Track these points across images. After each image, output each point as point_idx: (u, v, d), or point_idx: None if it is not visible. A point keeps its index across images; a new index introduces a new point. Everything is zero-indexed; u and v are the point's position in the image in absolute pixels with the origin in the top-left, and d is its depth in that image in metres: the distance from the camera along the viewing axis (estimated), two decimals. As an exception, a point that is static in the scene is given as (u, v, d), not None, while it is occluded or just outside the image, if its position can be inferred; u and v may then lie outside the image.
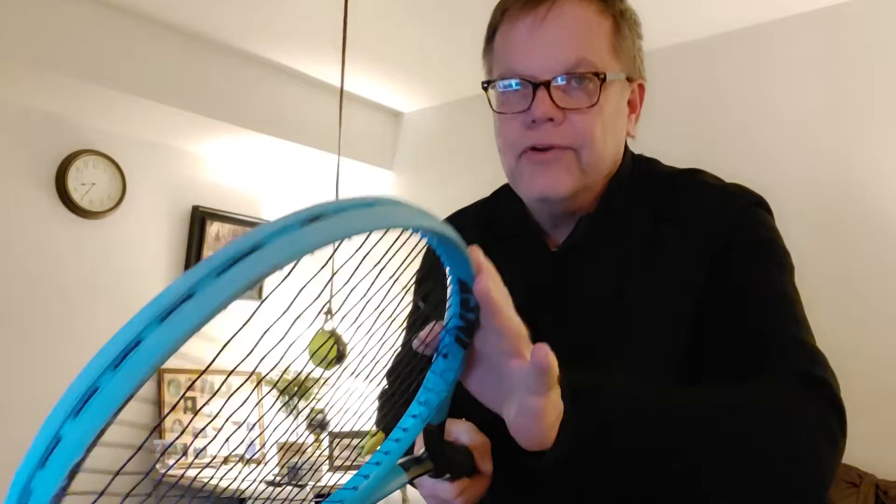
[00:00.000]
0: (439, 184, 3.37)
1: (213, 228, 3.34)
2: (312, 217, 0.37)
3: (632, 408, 0.60)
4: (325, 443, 3.13)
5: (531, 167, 0.81)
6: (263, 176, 3.62)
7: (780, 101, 2.55)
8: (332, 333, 2.06)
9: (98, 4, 2.62)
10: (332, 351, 2.05)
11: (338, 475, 2.94)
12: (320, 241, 0.36)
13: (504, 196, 0.95)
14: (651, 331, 0.77)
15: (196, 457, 3.02)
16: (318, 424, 3.13)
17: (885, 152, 2.33)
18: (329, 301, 2.02)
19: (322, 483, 2.78)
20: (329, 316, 2.10)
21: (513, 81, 0.81)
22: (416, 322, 0.97)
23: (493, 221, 0.95)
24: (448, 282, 0.54)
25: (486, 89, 0.86)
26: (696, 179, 0.85)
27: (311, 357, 2.06)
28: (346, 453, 2.92)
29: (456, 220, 0.99)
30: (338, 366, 2.03)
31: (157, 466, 2.90)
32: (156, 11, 2.70)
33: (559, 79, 0.79)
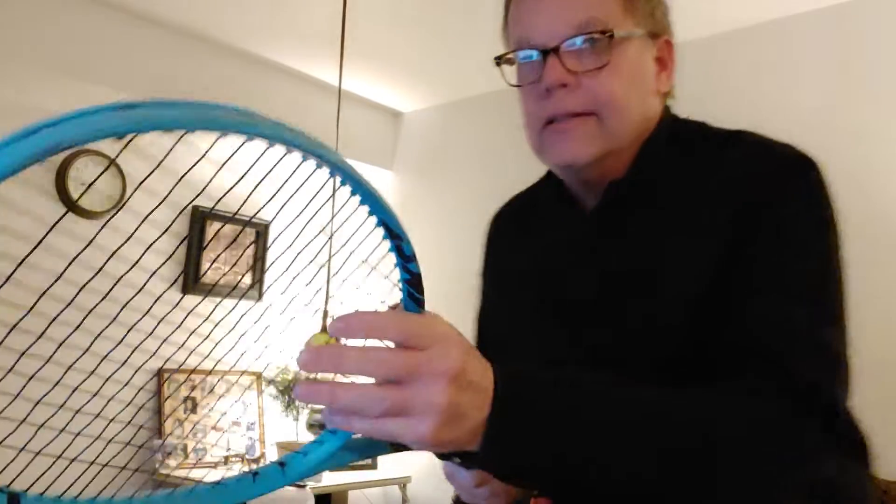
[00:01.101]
0: (439, 184, 3.37)
1: (213, 228, 3.34)
2: (127, 106, 0.38)
3: (568, 408, 0.55)
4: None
5: (553, 137, 0.80)
6: (263, 176, 3.62)
7: (789, 98, 2.55)
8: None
9: (98, 4, 2.62)
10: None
11: (336, 474, 2.94)
12: (125, 127, 0.37)
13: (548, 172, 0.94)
14: (676, 299, 0.73)
15: (197, 457, 3.02)
16: (318, 424, 3.13)
17: (895, 150, 2.33)
18: (326, 301, 2.11)
19: (322, 483, 2.78)
20: (326, 318, 2.17)
21: (526, 52, 0.81)
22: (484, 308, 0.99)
23: (538, 198, 0.96)
24: (375, 225, 0.49)
25: (498, 65, 0.85)
26: (739, 140, 0.80)
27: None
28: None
29: (509, 205, 1.01)
30: None
31: (158, 467, 2.90)
32: (155, 11, 2.70)
33: (569, 43, 0.77)
